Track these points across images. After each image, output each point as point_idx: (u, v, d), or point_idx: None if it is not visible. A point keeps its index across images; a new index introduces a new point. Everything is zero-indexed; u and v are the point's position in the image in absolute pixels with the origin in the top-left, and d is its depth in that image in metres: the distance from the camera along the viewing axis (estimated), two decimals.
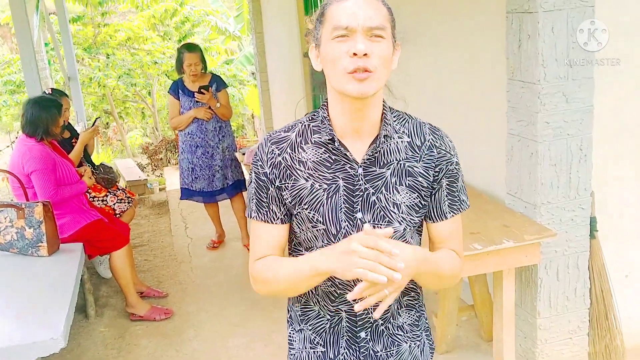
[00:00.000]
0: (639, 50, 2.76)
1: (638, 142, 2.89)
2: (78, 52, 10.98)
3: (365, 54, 1.25)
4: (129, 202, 4.63)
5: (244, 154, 4.58)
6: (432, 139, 1.41)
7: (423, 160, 1.39)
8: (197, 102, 4.60)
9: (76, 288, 3.00)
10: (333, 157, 1.37)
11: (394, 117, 1.41)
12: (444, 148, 1.41)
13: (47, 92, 4.63)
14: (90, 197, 4.33)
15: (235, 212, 4.93)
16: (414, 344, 1.52)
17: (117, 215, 4.46)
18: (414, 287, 1.52)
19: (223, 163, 4.75)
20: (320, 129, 1.38)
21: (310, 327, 1.50)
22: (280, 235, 1.43)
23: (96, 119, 4.94)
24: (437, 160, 1.40)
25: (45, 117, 3.63)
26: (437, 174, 1.40)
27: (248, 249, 4.86)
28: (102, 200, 4.49)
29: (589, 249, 2.81)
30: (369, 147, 1.36)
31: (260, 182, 1.40)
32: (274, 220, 1.41)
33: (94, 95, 12.41)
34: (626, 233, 2.99)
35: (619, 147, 2.87)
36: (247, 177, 4.93)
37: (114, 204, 4.52)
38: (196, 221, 5.71)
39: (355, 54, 1.25)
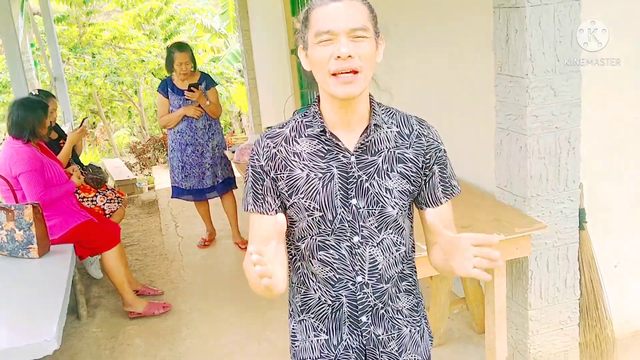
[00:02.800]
0: (625, 44, 2.79)
1: (626, 134, 2.92)
2: (64, 51, 10.91)
3: (349, 56, 1.30)
4: (118, 202, 4.62)
5: (233, 152, 4.57)
6: (419, 128, 1.49)
7: (412, 147, 1.46)
8: (186, 100, 4.59)
9: (68, 289, 2.99)
10: (326, 147, 1.43)
11: (382, 110, 1.48)
12: (431, 137, 1.49)
13: (33, 93, 4.60)
14: (79, 198, 4.31)
15: (226, 209, 4.93)
16: (414, 329, 1.57)
17: (107, 216, 4.44)
18: (411, 273, 1.57)
19: (213, 161, 4.74)
20: (312, 123, 1.45)
21: (312, 315, 1.53)
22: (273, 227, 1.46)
23: (84, 119, 4.92)
24: (426, 148, 1.47)
25: (31, 118, 3.61)
26: (427, 161, 1.47)
27: (239, 247, 4.87)
28: (92, 201, 4.47)
29: (578, 241, 2.84)
30: (360, 136, 1.42)
31: (257, 175, 1.46)
32: (269, 211, 1.46)
33: (80, 95, 12.35)
34: (614, 224, 3.02)
35: (607, 139, 2.90)
36: (237, 174, 4.92)
37: (104, 204, 4.51)
38: (186, 220, 5.70)
39: (339, 57, 1.30)
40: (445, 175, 1.51)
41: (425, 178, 1.48)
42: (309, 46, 1.37)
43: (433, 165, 1.48)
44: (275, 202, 1.46)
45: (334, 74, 1.32)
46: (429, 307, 3.13)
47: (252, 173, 1.47)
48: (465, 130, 3.26)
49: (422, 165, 1.47)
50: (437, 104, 3.50)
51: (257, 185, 1.46)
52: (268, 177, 1.45)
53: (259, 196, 1.46)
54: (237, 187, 4.97)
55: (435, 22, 3.40)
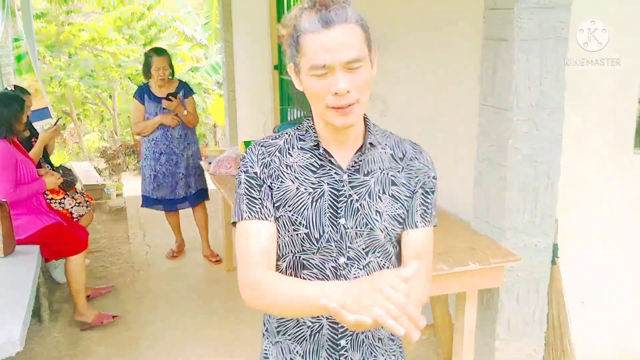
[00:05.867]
0: (605, 82, 2.86)
1: (599, 171, 2.98)
2: (40, 49, 10.72)
3: (347, 91, 1.26)
4: (87, 206, 4.53)
5: (210, 163, 4.52)
6: (412, 151, 1.47)
7: (405, 171, 1.44)
8: (163, 108, 4.53)
9: (33, 291, 2.91)
10: (319, 162, 1.40)
11: (377, 131, 1.46)
12: (422, 161, 1.47)
13: (9, 89, 4.50)
14: (47, 199, 4.21)
15: (197, 221, 4.86)
16: (389, 358, 1.53)
17: (75, 219, 4.35)
18: None
19: (187, 171, 4.69)
20: (305, 137, 1.42)
21: (289, 337, 1.47)
22: (273, 235, 1.38)
23: (58, 118, 4.84)
24: (417, 171, 1.45)
25: (7, 114, 3.54)
26: (416, 184, 1.45)
27: (209, 260, 4.80)
28: (60, 203, 4.38)
29: (549, 275, 2.87)
30: (355, 154, 1.40)
31: (252, 181, 1.39)
32: (268, 217, 1.37)
33: (53, 94, 12.13)
34: (585, 261, 3.06)
35: (582, 175, 2.95)
36: (211, 187, 4.87)
37: (72, 207, 4.41)
38: (155, 229, 5.60)
39: (336, 93, 1.26)
40: (427, 201, 1.46)
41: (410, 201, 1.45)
42: (301, 72, 1.31)
43: (419, 188, 1.44)
44: (273, 208, 1.38)
45: (331, 107, 1.29)
46: None
47: (246, 179, 1.39)
48: (445, 157, 3.28)
49: (413, 189, 1.44)
50: (419, 128, 3.51)
51: (252, 191, 1.38)
52: (265, 183, 1.38)
53: (256, 202, 1.37)
54: (209, 199, 4.91)
55: (424, 48, 3.43)
